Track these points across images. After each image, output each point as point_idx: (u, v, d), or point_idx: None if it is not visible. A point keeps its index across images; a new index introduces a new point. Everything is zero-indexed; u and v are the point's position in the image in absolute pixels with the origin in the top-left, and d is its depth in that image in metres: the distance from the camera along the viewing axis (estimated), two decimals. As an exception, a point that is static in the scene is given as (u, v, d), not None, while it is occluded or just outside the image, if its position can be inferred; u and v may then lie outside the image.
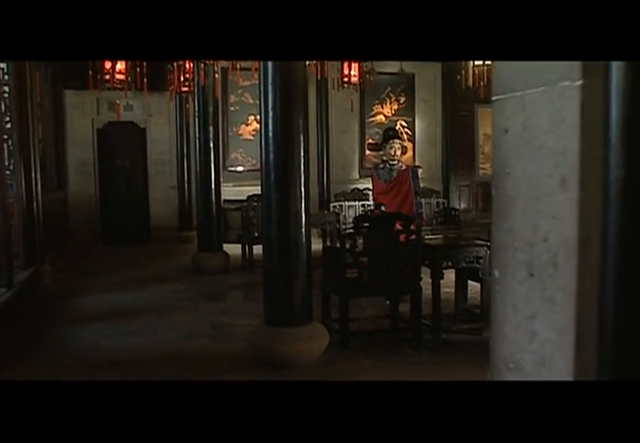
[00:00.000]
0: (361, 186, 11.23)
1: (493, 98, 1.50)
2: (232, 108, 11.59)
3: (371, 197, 6.39)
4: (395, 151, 6.14)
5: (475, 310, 5.65)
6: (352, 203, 9.43)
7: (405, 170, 6.21)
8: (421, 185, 6.68)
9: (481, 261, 5.11)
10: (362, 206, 9.43)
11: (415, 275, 4.92)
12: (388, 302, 5.60)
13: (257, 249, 8.18)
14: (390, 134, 6.34)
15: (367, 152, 12.64)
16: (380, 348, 4.89)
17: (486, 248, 5.11)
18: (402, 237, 4.94)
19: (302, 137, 4.38)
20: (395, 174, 6.10)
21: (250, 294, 6.99)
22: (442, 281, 5.05)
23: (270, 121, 4.32)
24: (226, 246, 8.69)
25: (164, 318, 5.96)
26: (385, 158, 6.25)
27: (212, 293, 7.16)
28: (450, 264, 5.07)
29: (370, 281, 4.83)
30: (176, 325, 5.72)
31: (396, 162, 6.20)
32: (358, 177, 12.67)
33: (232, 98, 11.53)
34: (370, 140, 12.60)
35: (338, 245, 7.98)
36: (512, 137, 1.43)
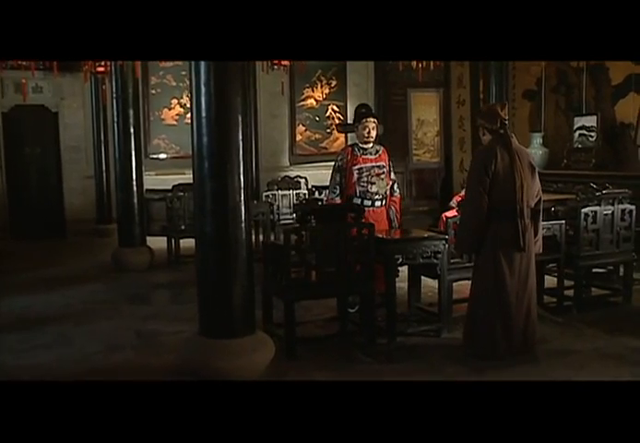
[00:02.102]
0: (292, 174, 10.66)
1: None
2: (154, 91, 10.75)
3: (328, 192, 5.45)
4: (369, 132, 5.43)
5: (429, 308, 5.20)
6: (286, 192, 8.81)
7: (384, 152, 5.55)
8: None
9: (439, 256, 4.64)
10: (297, 195, 8.83)
11: (368, 273, 4.40)
12: (352, 310, 5.02)
13: (184, 243, 7.58)
14: (363, 111, 5.50)
15: (298, 138, 12.04)
16: (331, 356, 4.35)
17: (444, 242, 4.64)
18: (353, 231, 4.40)
19: (240, 118, 3.77)
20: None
21: (178, 295, 6.31)
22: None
23: (203, 98, 3.69)
24: (149, 239, 7.95)
25: (82, 326, 5.23)
26: (357, 140, 5.52)
27: (136, 293, 6.44)
28: (406, 260, 4.57)
29: (318, 281, 4.28)
30: (96, 334, 5.01)
31: (370, 145, 5.53)
32: (288, 164, 12.07)
33: (154, 80, 10.68)
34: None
35: (280, 239, 7.42)
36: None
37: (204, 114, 3.69)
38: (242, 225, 3.81)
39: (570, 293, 5.34)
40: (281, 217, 8.45)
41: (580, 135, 7.73)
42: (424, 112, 12.98)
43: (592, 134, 7.58)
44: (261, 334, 4.01)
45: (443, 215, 7.73)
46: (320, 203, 8.47)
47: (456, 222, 4.70)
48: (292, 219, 8.49)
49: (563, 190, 7.22)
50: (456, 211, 7.15)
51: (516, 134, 9.21)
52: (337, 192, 5.32)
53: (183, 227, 7.66)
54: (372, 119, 5.39)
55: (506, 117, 4.26)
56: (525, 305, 4.19)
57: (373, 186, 5.32)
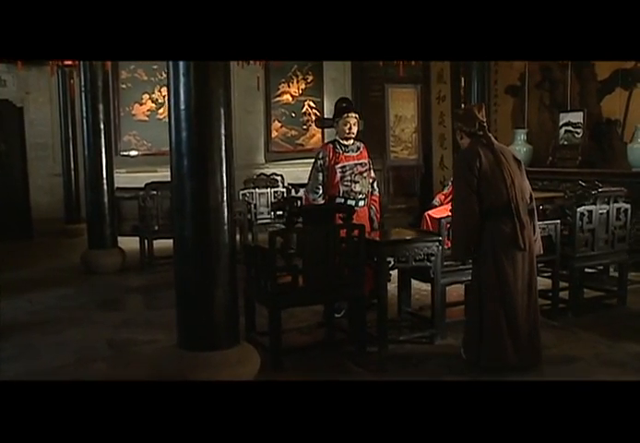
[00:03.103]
0: (267, 172, 10.40)
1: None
2: (124, 85, 10.34)
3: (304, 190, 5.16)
4: (350, 127, 5.13)
5: (420, 313, 4.95)
6: (264, 191, 8.51)
7: (365, 149, 5.29)
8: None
9: (433, 259, 4.38)
10: (275, 193, 8.54)
11: (358, 277, 4.13)
12: (338, 315, 4.76)
13: (158, 244, 7.23)
14: (344, 106, 5.22)
15: (274, 134, 11.73)
16: (319, 366, 4.08)
17: (437, 244, 4.39)
18: (342, 232, 4.12)
19: (222, 111, 3.46)
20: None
21: (153, 299, 5.99)
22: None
23: (182, 89, 3.37)
24: (121, 240, 7.60)
25: (49, 335, 4.87)
26: (337, 136, 5.23)
27: (107, 298, 6.08)
28: (398, 263, 4.31)
29: (306, 287, 3.99)
30: (65, 344, 4.67)
31: (351, 142, 5.24)
32: (264, 162, 11.76)
33: (124, 74, 10.28)
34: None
35: (259, 240, 7.12)
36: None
37: (182, 107, 3.37)
38: (225, 228, 3.52)
39: (562, 295, 5.13)
40: (259, 216, 8.16)
41: (566, 131, 7.53)
42: (402, 108, 12.78)
43: (578, 130, 7.39)
44: (245, 345, 3.72)
45: (426, 214, 7.51)
46: (299, 201, 8.26)
47: (449, 222, 4.45)
48: (270, 218, 8.23)
49: (549, 188, 7.05)
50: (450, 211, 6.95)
51: (499, 131, 9.23)
52: (320, 192, 5.03)
53: (156, 227, 7.29)
54: (353, 114, 5.12)
55: (484, 119, 4.06)
56: (531, 309, 3.95)
57: (357, 185, 5.06)
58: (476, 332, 3.99)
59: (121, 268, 7.27)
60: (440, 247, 4.38)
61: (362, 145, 5.24)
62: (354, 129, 5.06)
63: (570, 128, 7.48)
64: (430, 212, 7.48)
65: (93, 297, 6.09)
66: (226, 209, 3.52)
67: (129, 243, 7.60)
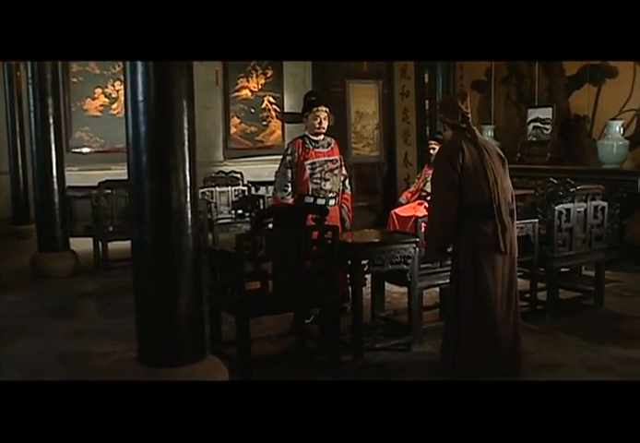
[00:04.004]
0: (226, 169, 10.08)
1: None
2: (75, 79, 9.87)
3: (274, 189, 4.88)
4: (320, 122, 4.84)
5: (394, 318, 4.71)
6: (224, 189, 8.17)
7: (336, 144, 5.02)
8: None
9: (409, 261, 4.14)
10: (236, 192, 8.20)
11: (332, 283, 3.85)
12: (307, 320, 4.48)
13: (113, 246, 6.84)
14: (313, 99, 4.92)
15: (233, 131, 11.37)
16: (291, 378, 3.79)
17: (414, 245, 4.14)
18: (314, 234, 3.84)
19: (185, 103, 3.15)
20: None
21: (108, 306, 5.62)
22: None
23: (140, 78, 3.04)
24: (73, 241, 7.18)
25: (-6, 348, 4.49)
26: (306, 131, 4.95)
27: (59, 305, 5.67)
28: (373, 266, 4.05)
29: (276, 293, 3.70)
30: (12, 358, 4.28)
31: (321, 138, 4.96)
32: (223, 159, 11.42)
33: (75, 67, 9.81)
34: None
35: (220, 241, 6.79)
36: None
37: (141, 98, 3.04)
38: (189, 231, 3.19)
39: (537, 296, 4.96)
40: (219, 216, 7.83)
41: (534, 127, 7.39)
42: (363, 104, 12.57)
43: (547, 126, 7.26)
44: (212, 359, 3.40)
45: (392, 212, 7.30)
46: (260, 200, 7.96)
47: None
48: (231, 217, 7.90)
49: (518, 185, 6.89)
50: (427, 210, 6.72)
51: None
52: (289, 190, 4.74)
53: (111, 228, 6.90)
54: (323, 108, 4.85)
55: (468, 110, 3.81)
56: (512, 315, 3.73)
57: (327, 183, 4.79)
58: (453, 338, 3.76)
59: (73, 272, 6.84)
60: (417, 249, 4.13)
61: (334, 141, 4.98)
62: (325, 124, 4.80)
63: (538, 124, 7.34)
64: (396, 211, 7.26)
65: (43, 304, 5.68)
66: (189, 211, 3.20)
67: (82, 244, 7.19)
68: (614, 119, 6.63)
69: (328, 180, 4.78)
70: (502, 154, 3.84)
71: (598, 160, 6.72)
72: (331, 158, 4.86)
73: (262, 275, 3.65)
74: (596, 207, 5.04)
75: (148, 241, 3.17)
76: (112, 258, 6.87)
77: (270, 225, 3.83)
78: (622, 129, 6.51)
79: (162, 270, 3.21)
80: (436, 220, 3.73)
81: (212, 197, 7.92)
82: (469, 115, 3.77)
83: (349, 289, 4.20)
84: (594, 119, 7.06)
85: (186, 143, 3.15)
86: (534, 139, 7.41)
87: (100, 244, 6.97)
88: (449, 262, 3.98)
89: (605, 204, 5.09)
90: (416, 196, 7.45)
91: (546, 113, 7.27)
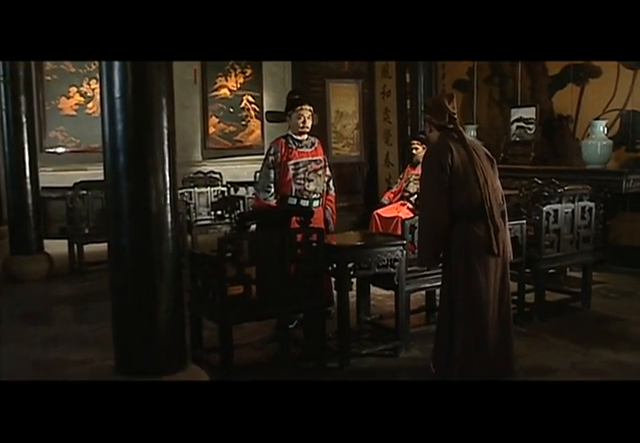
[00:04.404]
0: (205, 169, 9.93)
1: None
2: (49, 77, 9.62)
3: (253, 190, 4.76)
4: (304, 121, 4.73)
5: (380, 322, 4.60)
6: (203, 190, 8.00)
7: (320, 144, 4.91)
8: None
9: (397, 264, 4.02)
10: (215, 192, 8.04)
11: (317, 287, 3.72)
12: (290, 325, 4.35)
13: (89, 248, 6.65)
14: (297, 98, 4.82)
15: (211, 130, 11.19)
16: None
17: (402, 248, 4.03)
18: (299, 237, 3.71)
19: (165, 100, 3.00)
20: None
21: (84, 311, 5.44)
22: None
23: (117, 74, 2.88)
24: (47, 243, 6.98)
25: (-36, 356, 4.30)
26: (290, 130, 4.82)
27: (33, 311, 5.48)
28: (360, 270, 3.92)
29: (260, 298, 3.56)
30: (-18, 366, 4.10)
31: (305, 137, 4.83)
32: (201, 159, 11.24)
33: (49, 65, 9.56)
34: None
35: (198, 243, 6.64)
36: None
37: (118, 95, 2.88)
38: (169, 235, 3.05)
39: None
40: (198, 217, 7.67)
41: (518, 127, 7.32)
42: (343, 103, 12.49)
43: (531, 126, 7.18)
44: (193, 368, 3.25)
45: (374, 213, 7.19)
46: (240, 201, 7.82)
47: (414, 225, 4.10)
48: (211, 219, 7.75)
49: (502, 185, 6.80)
50: (409, 210, 6.62)
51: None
52: (272, 191, 4.60)
53: (86, 231, 6.71)
54: (307, 107, 4.73)
55: (455, 110, 3.71)
56: (503, 318, 3.63)
57: (311, 184, 4.67)
58: (445, 341, 3.65)
59: (48, 275, 6.65)
60: (404, 252, 4.02)
61: (317, 140, 4.86)
62: (308, 123, 4.67)
63: (522, 124, 7.27)
64: (379, 211, 7.15)
65: (16, 309, 5.47)
66: (169, 214, 3.05)
67: (57, 247, 6.99)
68: (598, 119, 6.58)
69: (312, 181, 4.65)
70: (490, 154, 3.75)
71: (582, 160, 6.66)
72: (315, 158, 4.74)
73: (245, 280, 3.51)
74: (583, 207, 4.96)
75: (126, 245, 3.02)
76: (87, 262, 6.70)
77: (253, 227, 3.70)
78: (606, 129, 6.46)
79: (141, 276, 3.06)
80: (428, 224, 3.61)
81: (191, 198, 7.76)
82: (456, 116, 3.68)
83: (334, 293, 4.08)
84: (577, 119, 7.00)
85: (166, 142, 3.00)
86: (517, 139, 7.34)
87: (75, 246, 6.79)
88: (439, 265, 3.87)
89: (592, 205, 5.03)
90: (398, 196, 7.36)
91: (529, 112, 7.21)
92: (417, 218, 4.11)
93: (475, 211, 3.52)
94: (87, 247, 6.67)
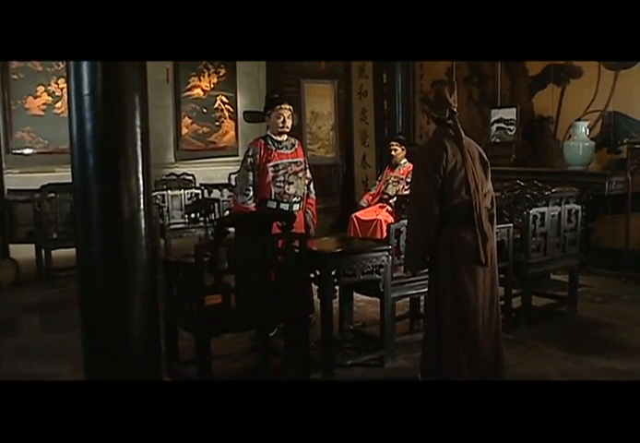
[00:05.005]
0: (178, 171, 9.71)
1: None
2: (15, 76, 9.27)
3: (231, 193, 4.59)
4: (284, 120, 4.55)
5: (364, 330, 4.43)
6: (176, 192, 7.76)
7: (300, 146, 4.73)
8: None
9: (382, 271, 3.85)
10: (189, 195, 7.81)
11: (301, 295, 3.54)
12: (271, 333, 4.16)
13: (57, 253, 6.38)
14: (276, 97, 4.61)
15: (184, 131, 10.93)
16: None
17: (387, 253, 3.86)
18: (280, 243, 3.52)
19: (137, 98, 2.80)
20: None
21: (53, 320, 5.19)
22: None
23: (85, 69, 2.68)
24: (13, 248, 6.75)
25: None
26: (269, 131, 4.63)
27: (-3, 320, 5.23)
28: (344, 277, 3.75)
29: (240, 309, 3.36)
30: (-58, 382, 3.84)
31: (285, 138, 4.65)
32: (174, 161, 10.97)
33: (15, 63, 9.21)
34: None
35: (172, 247, 6.41)
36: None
37: (86, 92, 2.68)
38: (142, 242, 2.85)
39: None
40: (172, 221, 7.44)
41: (498, 128, 7.21)
42: (318, 104, 12.31)
43: (511, 127, 7.08)
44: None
45: (353, 216, 7.03)
46: (215, 203, 7.61)
47: (399, 229, 3.94)
48: (185, 222, 7.52)
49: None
50: (389, 213, 6.47)
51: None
52: (251, 195, 4.41)
53: (55, 235, 6.44)
54: (287, 106, 4.54)
55: (456, 104, 3.52)
56: (493, 327, 3.48)
57: (291, 187, 4.48)
58: (433, 354, 3.48)
59: (14, 282, 6.40)
60: (390, 258, 3.85)
61: (297, 142, 4.68)
62: (288, 123, 4.49)
63: (502, 125, 7.17)
64: (357, 214, 7.00)
65: (-20, 319, 5.21)
66: (143, 219, 2.86)
67: (24, 252, 6.71)
68: (579, 120, 6.50)
69: (292, 183, 4.47)
70: (485, 156, 3.56)
71: (563, 161, 6.58)
72: (295, 160, 4.56)
73: (224, 289, 3.30)
74: (570, 210, 4.85)
75: (96, 253, 2.82)
76: (56, 267, 6.44)
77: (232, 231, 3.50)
78: (588, 130, 6.37)
79: (112, 285, 2.88)
80: (418, 227, 3.42)
81: (164, 201, 7.53)
82: (456, 110, 3.49)
83: (316, 300, 3.91)
84: (558, 120, 6.92)
85: (139, 143, 2.81)
86: (498, 140, 7.23)
87: (43, 251, 6.52)
88: (423, 271, 3.72)
89: (579, 207, 4.92)
90: (377, 198, 7.22)
91: (510, 113, 7.11)
92: (402, 222, 3.95)
93: (463, 215, 3.35)
94: (55, 252, 6.41)
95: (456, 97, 3.51)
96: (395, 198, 6.81)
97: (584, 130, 6.36)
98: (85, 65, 2.68)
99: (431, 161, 3.33)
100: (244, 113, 10.19)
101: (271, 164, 4.42)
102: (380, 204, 7.11)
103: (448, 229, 3.38)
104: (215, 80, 11.22)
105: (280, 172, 4.44)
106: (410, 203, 3.57)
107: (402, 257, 3.92)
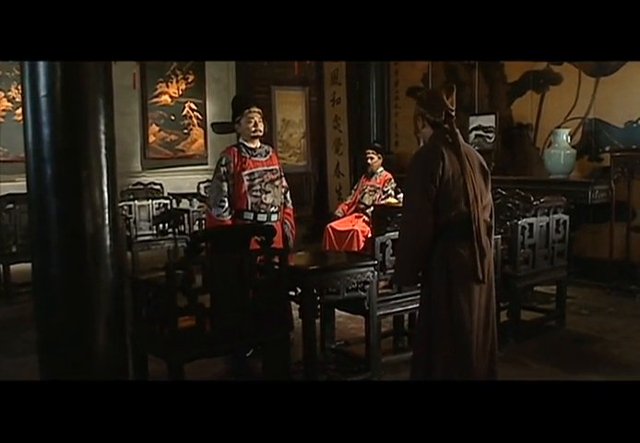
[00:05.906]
0: (145, 180, 9.38)
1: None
2: (-28, 81, 8.91)
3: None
4: (256, 124, 4.26)
5: (347, 349, 4.17)
6: (144, 203, 7.42)
7: (275, 153, 4.47)
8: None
9: (367, 288, 3.60)
10: (157, 205, 7.47)
11: (281, 315, 3.27)
12: (247, 354, 3.88)
13: (17, 268, 6.02)
14: (242, 102, 4.33)
15: (151, 139, 10.60)
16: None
17: (372, 269, 3.62)
18: (259, 259, 3.25)
19: (102, 101, 2.51)
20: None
21: (9, 341, 4.81)
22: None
23: (42, 70, 2.38)
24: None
25: None
26: (241, 138, 4.35)
27: (-50, 341, 4.85)
28: (327, 294, 3.48)
29: (215, 332, 3.08)
30: None
31: (258, 145, 4.36)
32: (141, 169, 10.63)
33: (-29, 68, 8.85)
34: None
35: (137, 260, 6.08)
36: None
37: (43, 92, 2.39)
38: (108, 262, 2.56)
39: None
40: (139, 232, 7.10)
41: (477, 136, 7.04)
42: (289, 112, 12.11)
43: (490, 135, 6.92)
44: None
45: (328, 226, 6.79)
46: (185, 214, 7.30)
47: (385, 242, 3.70)
48: (153, 234, 7.20)
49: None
50: (365, 223, 6.24)
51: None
52: (226, 206, 4.12)
53: (14, 249, 6.08)
54: (256, 109, 4.27)
55: (453, 107, 3.29)
56: (488, 348, 3.24)
57: (268, 196, 4.22)
58: (423, 372, 3.24)
59: (-31, 299, 5.98)
60: (375, 274, 3.61)
61: (271, 149, 4.42)
62: (260, 126, 4.22)
63: (481, 133, 7.00)
64: (332, 224, 6.76)
65: None
66: (108, 236, 2.56)
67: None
68: (560, 127, 6.35)
69: (269, 192, 4.20)
70: (485, 164, 3.32)
71: (543, 169, 6.43)
72: (270, 167, 4.29)
73: (198, 310, 3.02)
74: (557, 220, 4.67)
75: (55, 275, 2.52)
76: (15, 283, 6.06)
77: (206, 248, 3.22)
78: (569, 138, 6.23)
79: (73, 309, 2.59)
80: (410, 238, 3.16)
81: (130, 212, 7.16)
82: (454, 114, 3.25)
83: (295, 317, 3.65)
84: (537, 127, 6.77)
85: (103, 150, 2.53)
86: (477, 148, 6.99)
87: (0, 266, 6.14)
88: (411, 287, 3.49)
89: (567, 217, 4.74)
90: (353, 208, 7.00)
91: (489, 120, 6.94)
92: (387, 235, 3.71)
93: (460, 230, 3.11)
94: (14, 267, 6.04)
95: (454, 99, 3.27)
96: (372, 208, 6.59)
97: (565, 138, 6.21)
98: (41, 62, 2.39)
99: (426, 169, 3.07)
100: (212, 124, 9.81)
101: (246, 173, 4.15)
102: (356, 214, 6.89)
103: (444, 243, 3.13)
104: (183, 87, 10.93)
105: (256, 180, 4.17)
106: (403, 214, 3.31)
107: (388, 272, 3.68)
